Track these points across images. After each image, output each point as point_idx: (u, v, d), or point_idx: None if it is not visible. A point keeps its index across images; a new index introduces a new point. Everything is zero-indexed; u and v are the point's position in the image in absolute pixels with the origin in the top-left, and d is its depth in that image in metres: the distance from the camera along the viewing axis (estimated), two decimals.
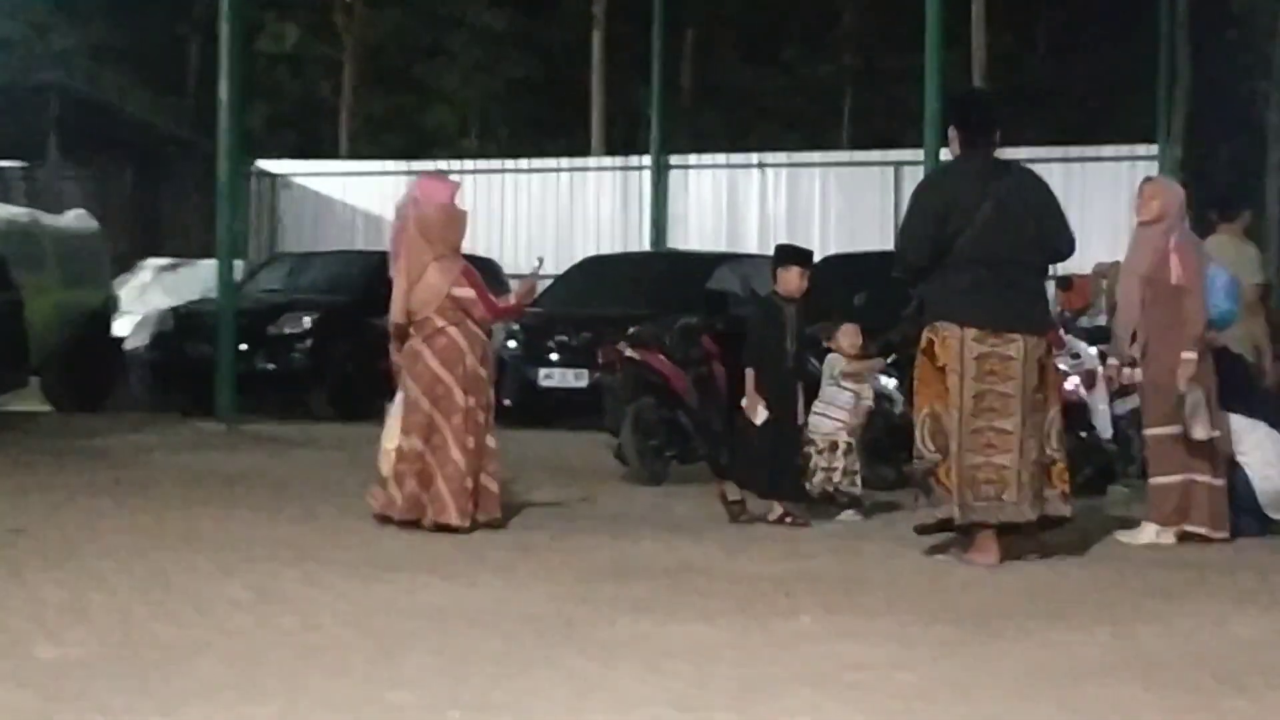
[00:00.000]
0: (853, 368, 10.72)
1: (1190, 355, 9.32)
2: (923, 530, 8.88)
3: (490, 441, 9.72)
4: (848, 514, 10.47)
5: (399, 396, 9.83)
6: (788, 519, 10.09)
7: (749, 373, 10.14)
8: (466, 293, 9.68)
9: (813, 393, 10.63)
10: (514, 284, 16.11)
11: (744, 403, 10.14)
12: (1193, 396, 9.31)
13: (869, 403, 10.77)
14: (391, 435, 9.76)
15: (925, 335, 8.73)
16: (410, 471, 9.56)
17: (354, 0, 33.54)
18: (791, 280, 10.32)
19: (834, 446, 10.49)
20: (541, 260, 11.22)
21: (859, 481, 10.56)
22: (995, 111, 9.25)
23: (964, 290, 8.61)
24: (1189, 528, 9.44)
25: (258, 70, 31.68)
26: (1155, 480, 9.52)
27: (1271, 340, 12.30)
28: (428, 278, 9.66)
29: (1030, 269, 8.79)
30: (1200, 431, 9.33)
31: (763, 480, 10.18)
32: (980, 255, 8.58)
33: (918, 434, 8.79)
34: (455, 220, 9.91)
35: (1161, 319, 9.47)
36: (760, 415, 10.09)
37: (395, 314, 9.75)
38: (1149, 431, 9.60)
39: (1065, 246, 8.88)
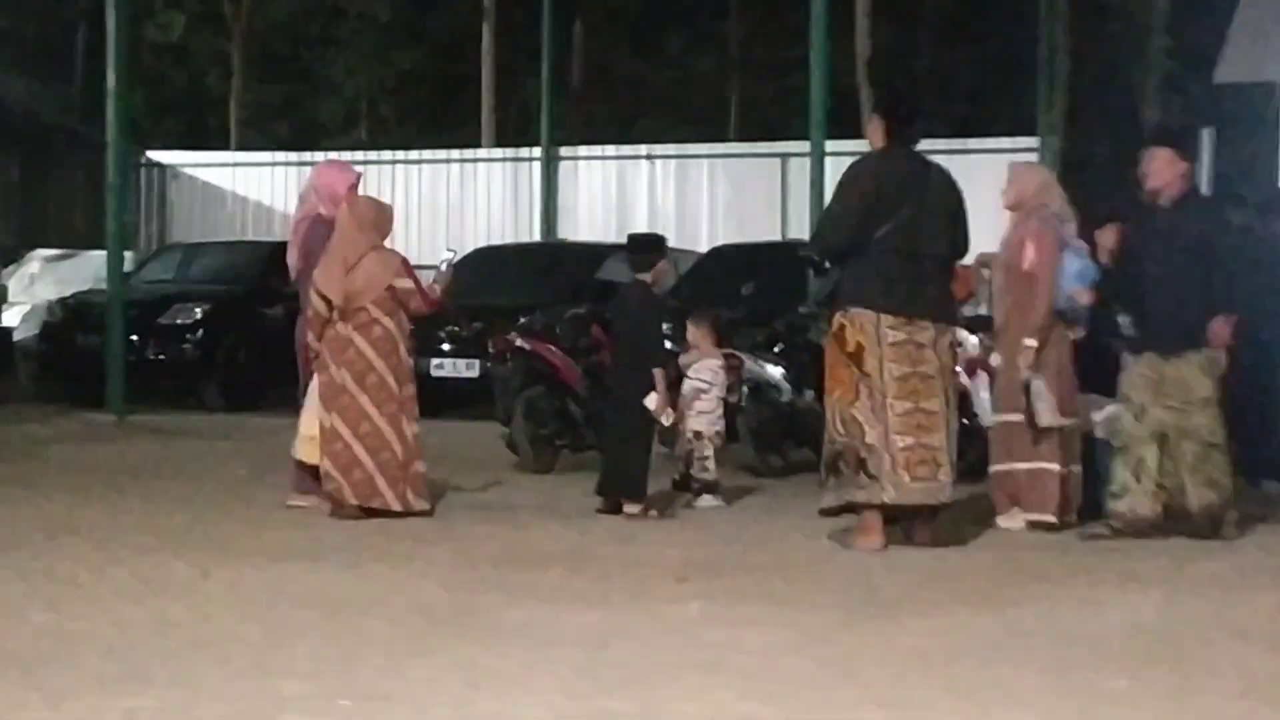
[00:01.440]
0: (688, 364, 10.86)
1: (1030, 342, 9.48)
2: (827, 513, 8.97)
3: (416, 429, 9.83)
4: (706, 499, 10.58)
5: (315, 383, 9.85)
6: (652, 513, 10.09)
7: (659, 373, 10.10)
8: (407, 284, 9.79)
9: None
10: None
11: (650, 404, 9.99)
12: (1036, 383, 9.46)
13: (699, 384, 10.80)
14: (312, 423, 9.81)
15: (837, 320, 8.85)
16: (327, 450, 9.64)
17: None
18: (663, 269, 10.47)
19: (698, 436, 10.63)
20: (455, 253, 11.22)
21: (710, 467, 10.64)
22: (921, 107, 9.40)
23: (884, 279, 8.77)
24: (1033, 516, 9.57)
25: (145, 59, 31.34)
26: (997, 467, 9.69)
27: None
28: (368, 267, 9.72)
29: (940, 261, 8.98)
30: (1046, 418, 9.48)
31: (642, 483, 10.23)
32: (900, 247, 8.76)
33: (829, 418, 8.90)
34: (385, 212, 10.14)
35: (1014, 305, 9.64)
36: (669, 418, 10.16)
37: (331, 299, 9.72)
38: (999, 417, 9.74)
39: (963, 248, 9.14)
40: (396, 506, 9.61)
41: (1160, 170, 9.38)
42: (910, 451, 8.69)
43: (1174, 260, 9.26)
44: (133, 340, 17.28)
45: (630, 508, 10.00)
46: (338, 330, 9.70)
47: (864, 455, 8.70)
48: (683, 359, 10.99)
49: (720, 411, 10.80)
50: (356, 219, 9.85)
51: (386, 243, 10.01)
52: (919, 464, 8.70)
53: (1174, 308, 9.23)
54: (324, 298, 9.71)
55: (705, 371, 10.78)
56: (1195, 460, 9.22)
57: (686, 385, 10.74)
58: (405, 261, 9.97)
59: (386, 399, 9.66)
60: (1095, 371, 9.90)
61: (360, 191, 10.46)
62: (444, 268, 10.45)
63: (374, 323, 9.69)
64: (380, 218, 10.03)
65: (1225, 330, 9.35)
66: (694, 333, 10.98)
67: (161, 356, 18.13)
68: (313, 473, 9.95)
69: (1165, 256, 9.28)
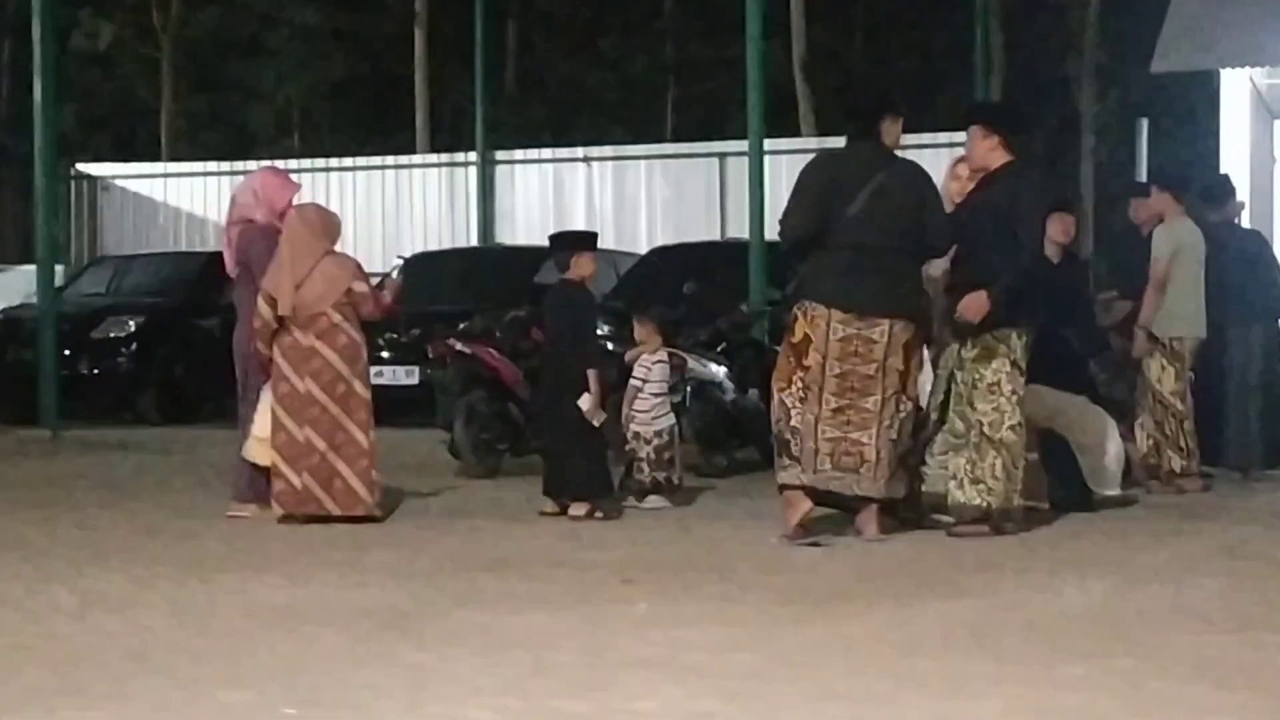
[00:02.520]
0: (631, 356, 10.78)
1: None
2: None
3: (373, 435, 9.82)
4: (652, 499, 10.50)
5: (268, 389, 9.73)
6: (598, 514, 10.04)
7: (593, 374, 10.03)
8: (363, 288, 9.79)
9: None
10: None
11: (584, 404, 9.92)
12: None
13: (633, 381, 10.76)
14: (265, 426, 9.70)
15: (793, 311, 8.86)
16: (304, 465, 9.56)
17: None
18: (589, 265, 10.34)
19: (637, 437, 10.56)
20: (403, 258, 11.12)
21: (644, 469, 10.57)
22: (885, 102, 9.18)
23: (835, 273, 8.75)
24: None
25: (72, 70, 31.04)
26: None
27: None
28: (327, 270, 9.68)
29: (904, 255, 8.83)
30: None
31: (590, 482, 10.11)
32: (854, 240, 8.71)
33: (774, 405, 8.91)
34: (334, 219, 10.11)
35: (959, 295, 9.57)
36: (600, 417, 10.08)
37: (281, 309, 9.60)
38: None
39: (938, 240, 8.93)
40: (378, 514, 9.65)
41: (972, 148, 9.26)
42: (835, 443, 8.71)
43: (972, 238, 9.02)
44: (66, 354, 17.11)
45: (576, 509, 9.91)
46: (297, 339, 9.61)
47: (788, 437, 8.75)
48: (627, 356, 10.93)
49: (661, 410, 10.69)
50: (307, 226, 9.80)
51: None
52: (843, 455, 8.72)
53: (972, 288, 8.97)
54: (271, 301, 9.63)
55: (639, 368, 10.69)
56: (972, 452, 8.95)
57: (639, 393, 10.69)
58: (359, 266, 9.97)
59: (357, 406, 9.67)
60: (1045, 363, 9.88)
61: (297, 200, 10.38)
62: (395, 274, 10.39)
63: (338, 330, 9.65)
64: (330, 224, 10.00)
65: (975, 305, 8.87)
66: (639, 331, 10.91)
67: (95, 370, 17.98)
68: (265, 474, 9.81)
69: (969, 234, 9.05)
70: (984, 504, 8.94)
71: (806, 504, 8.78)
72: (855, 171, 8.87)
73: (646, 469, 10.55)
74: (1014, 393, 8.95)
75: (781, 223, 9.10)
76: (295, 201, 10.21)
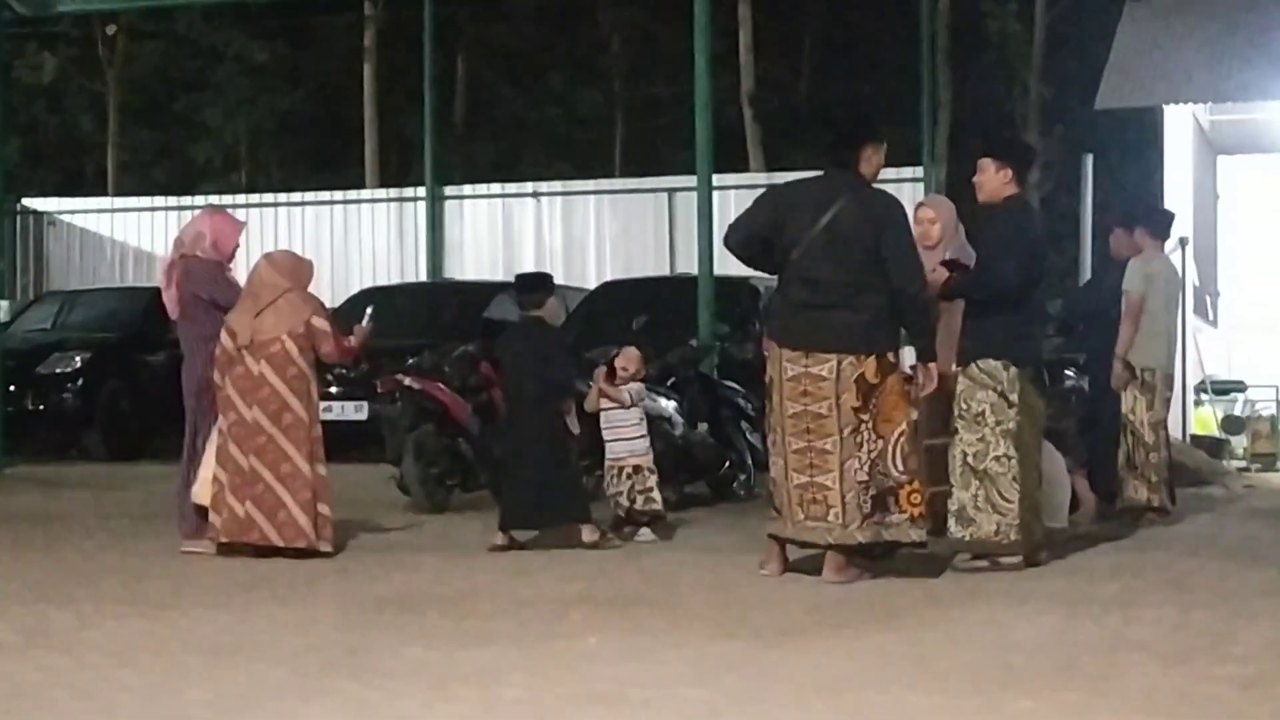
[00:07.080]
0: (610, 391, 10.73)
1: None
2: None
3: (324, 470, 9.75)
4: (644, 532, 10.52)
5: (219, 424, 9.69)
6: (609, 537, 10.07)
7: (570, 402, 10.13)
8: (324, 325, 9.76)
9: None
10: None
11: (574, 428, 10.02)
12: None
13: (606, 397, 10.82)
14: (211, 463, 9.67)
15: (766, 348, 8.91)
16: (248, 494, 9.53)
17: (116, 31, 32.77)
18: (552, 307, 10.43)
19: (637, 470, 10.53)
20: (371, 311, 11.11)
21: (657, 499, 10.59)
22: (859, 132, 8.95)
23: (787, 308, 8.67)
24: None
25: (16, 103, 30.84)
26: (931, 490, 9.62)
27: None
28: (288, 300, 9.71)
29: (863, 290, 8.47)
30: None
31: (535, 511, 10.10)
32: (805, 274, 8.54)
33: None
34: (305, 263, 10.16)
35: (943, 334, 9.59)
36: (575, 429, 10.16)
37: (240, 340, 9.63)
38: (926, 442, 9.68)
39: (900, 279, 8.46)
40: (321, 547, 9.58)
41: (984, 180, 9.26)
42: (803, 490, 8.59)
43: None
44: (11, 391, 16.99)
45: (588, 534, 9.97)
46: (248, 367, 9.60)
47: (770, 488, 8.75)
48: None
49: (641, 436, 10.68)
50: (275, 268, 9.90)
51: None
52: (811, 503, 8.58)
53: (964, 321, 9.20)
54: (232, 334, 9.64)
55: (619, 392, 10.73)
56: (956, 482, 9.02)
57: (634, 419, 10.70)
58: (323, 305, 9.97)
59: (303, 439, 9.61)
60: None
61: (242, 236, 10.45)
62: (366, 322, 10.44)
63: (289, 361, 9.64)
64: (298, 267, 10.03)
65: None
66: (623, 358, 10.88)
67: (41, 407, 17.85)
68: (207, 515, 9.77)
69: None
70: (964, 536, 8.96)
71: (777, 563, 8.77)
72: (813, 200, 8.60)
73: (658, 498, 10.57)
74: (999, 424, 8.95)
75: (728, 230, 8.87)
76: (241, 240, 10.27)
